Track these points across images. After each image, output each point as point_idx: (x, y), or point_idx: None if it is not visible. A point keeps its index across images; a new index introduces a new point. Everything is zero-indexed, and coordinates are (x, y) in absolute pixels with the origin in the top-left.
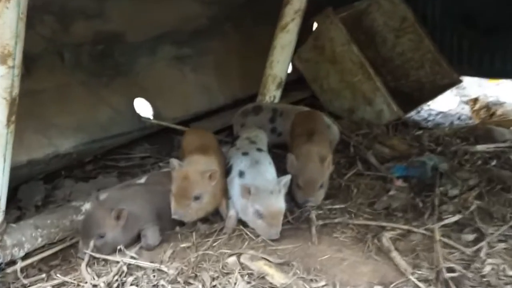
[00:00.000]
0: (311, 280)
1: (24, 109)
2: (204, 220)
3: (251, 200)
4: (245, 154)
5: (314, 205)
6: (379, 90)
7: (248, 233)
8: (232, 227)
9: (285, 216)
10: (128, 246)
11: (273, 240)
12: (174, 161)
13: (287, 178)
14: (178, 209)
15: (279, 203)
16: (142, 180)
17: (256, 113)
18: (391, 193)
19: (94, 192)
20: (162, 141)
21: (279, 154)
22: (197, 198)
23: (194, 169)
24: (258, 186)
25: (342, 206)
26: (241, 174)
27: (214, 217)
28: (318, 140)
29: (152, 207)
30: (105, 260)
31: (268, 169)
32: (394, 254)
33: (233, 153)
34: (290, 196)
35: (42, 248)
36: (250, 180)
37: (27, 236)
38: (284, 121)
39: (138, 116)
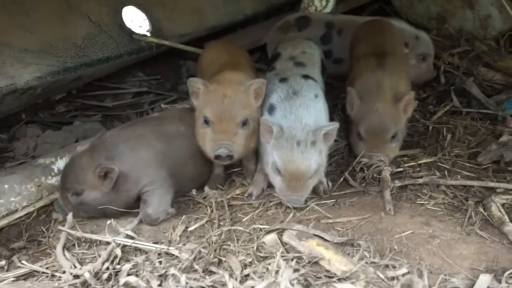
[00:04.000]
0: (387, 266)
1: None
2: (230, 182)
3: (272, 146)
4: (283, 80)
5: (380, 164)
6: None
7: None
8: (261, 186)
9: (340, 173)
10: (123, 214)
11: (327, 208)
12: (196, 81)
13: (330, 127)
14: (224, 140)
15: (307, 161)
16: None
17: (300, 27)
18: (504, 139)
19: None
20: (164, 69)
21: (337, 86)
22: (244, 123)
23: (233, 85)
24: (284, 129)
25: (430, 159)
26: (271, 108)
27: (242, 177)
28: (392, 65)
29: (162, 161)
30: (91, 241)
31: (309, 106)
32: (510, 228)
33: (269, 80)
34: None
35: None
36: (279, 118)
37: None
38: (344, 42)
39: (129, 32)
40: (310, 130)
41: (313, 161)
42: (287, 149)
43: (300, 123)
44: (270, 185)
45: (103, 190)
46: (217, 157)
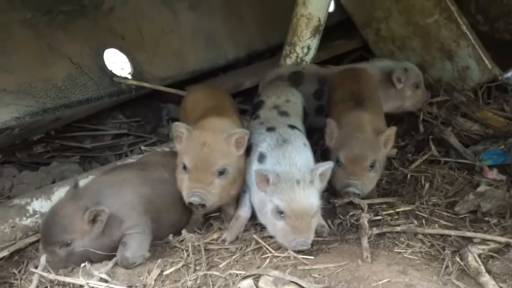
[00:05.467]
0: None
1: None
2: (207, 226)
3: (270, 192)
4: (270, 129)
5: (358, 192)
6: (464, 37)
7: (267, 246)
8: (236, 233)
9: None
10: (101, 259)
11: (305, 256)
12: (180, 125)
13: (325, 166)
14: (198, 188)
15: (309, 199)
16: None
17: (294, 83)
18: (481, 189)
19: (72, 178)
20: (144, 111)
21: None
22: (221, 172)
23: (215, 133)
24: (280, 173)
25: (408, 208)
26: (261, 157)
27: (220, 222)
28: (370, 106)
29: (146, 205)
30: (64, 283)
31: (300, 153)
32: (486, 279)
33: (254, 128)
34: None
35: None
36: (272, 166)
37: None
38: None
39: (110, 74)
40: (306, 171)
41: (314, 198)
42: (288, 190)
43: (295, 166)
44: (246, 230)
45: (93, 235)
46: (190, 204)
